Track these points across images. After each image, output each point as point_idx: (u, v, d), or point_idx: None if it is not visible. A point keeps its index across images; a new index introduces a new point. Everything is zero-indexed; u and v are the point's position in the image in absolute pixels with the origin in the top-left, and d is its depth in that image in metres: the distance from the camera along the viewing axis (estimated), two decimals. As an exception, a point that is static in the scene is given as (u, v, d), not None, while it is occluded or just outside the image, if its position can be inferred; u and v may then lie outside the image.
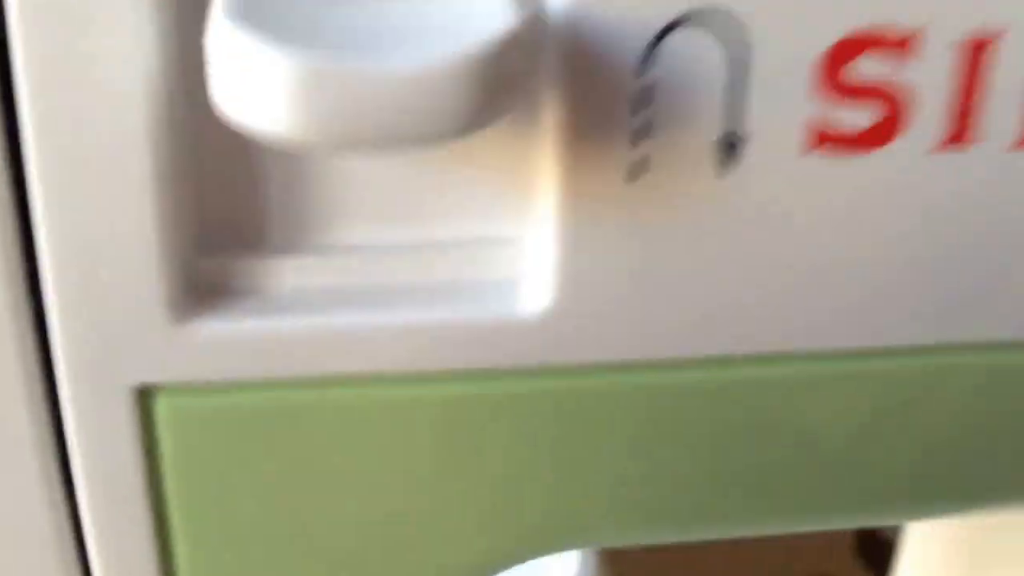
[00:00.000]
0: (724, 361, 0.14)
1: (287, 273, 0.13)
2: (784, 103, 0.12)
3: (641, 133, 0.12)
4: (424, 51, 0.10)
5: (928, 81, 0.12)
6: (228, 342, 0.13)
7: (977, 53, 0.12)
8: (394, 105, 0.10)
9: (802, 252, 0.13)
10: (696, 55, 0.12)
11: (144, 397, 0.13)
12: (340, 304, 0.13)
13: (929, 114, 0.12)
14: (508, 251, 0.13)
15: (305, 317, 0.13)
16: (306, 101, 0.10)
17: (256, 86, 0.10)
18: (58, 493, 0.14)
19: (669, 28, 0.12)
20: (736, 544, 0.19)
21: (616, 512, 0.15)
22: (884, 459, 0.15)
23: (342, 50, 0.10)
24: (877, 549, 0.43)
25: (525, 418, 0.14)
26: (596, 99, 0.12)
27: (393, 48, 0.10)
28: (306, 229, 0.13)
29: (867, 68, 0.12)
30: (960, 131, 0.13)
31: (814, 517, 0.16)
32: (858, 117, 0.12)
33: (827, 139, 0.12)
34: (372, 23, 0.10)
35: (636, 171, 0.12)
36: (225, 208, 0.13)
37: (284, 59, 0.10)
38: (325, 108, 0.10)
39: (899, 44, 0.12)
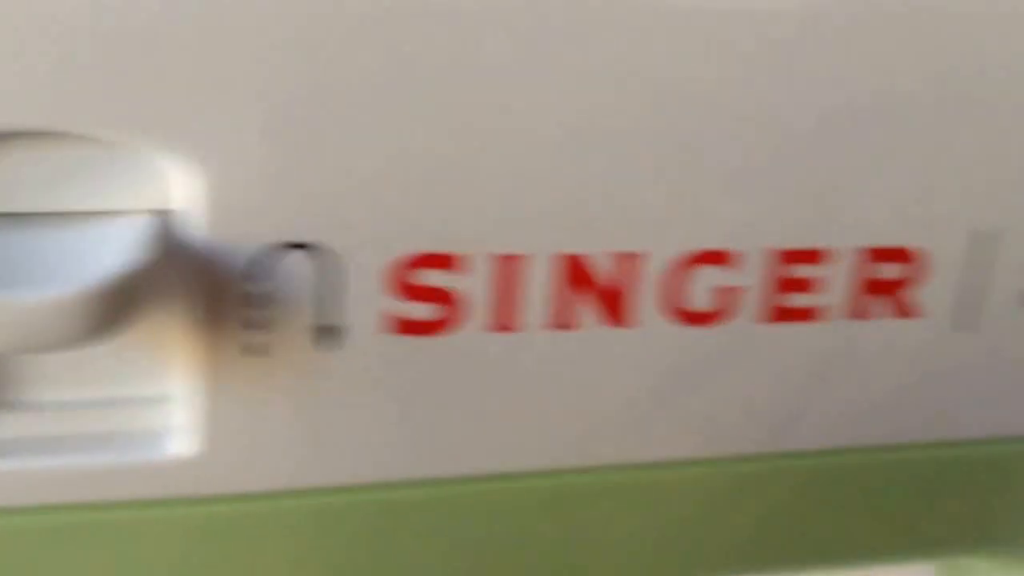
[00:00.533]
0: (351, 488, 0.18)
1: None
2: (366, 301, 0.16)
3: (251, 323, 0.16)
4: (48, 284, 0.13)
5: (473, 286, 0.16)
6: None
7: (506, 267, 0.16)
8: (20, 328, 0.13)
9: (393, 415, 0.17)
10: (292, 267, 0.16)
11: None
12: (27, 451, 0.16)
13: (478, 308, 0.17)
14: (164, 407, 0.17)
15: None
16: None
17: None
18: None
19: (270, 250, 0.16)
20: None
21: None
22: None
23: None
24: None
25: (183, 540, 0.17)
26: (218, 296, 0.16)
27: (23, 280, 0.13)
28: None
29: (427, 277, 0.16)
30: (506, 321, 0.17)
31: None
32: (425, 311, 0.16)
33: (403, 325, 0.16)
34: (13, 254, 0.14)
35: (252, 351, 0.16)
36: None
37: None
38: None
39: (449, 262, 0.16)
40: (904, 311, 0.18)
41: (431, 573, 0.18)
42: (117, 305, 0.14)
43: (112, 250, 0.14)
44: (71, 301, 0.13)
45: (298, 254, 0.16)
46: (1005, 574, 0.23)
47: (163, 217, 0.15)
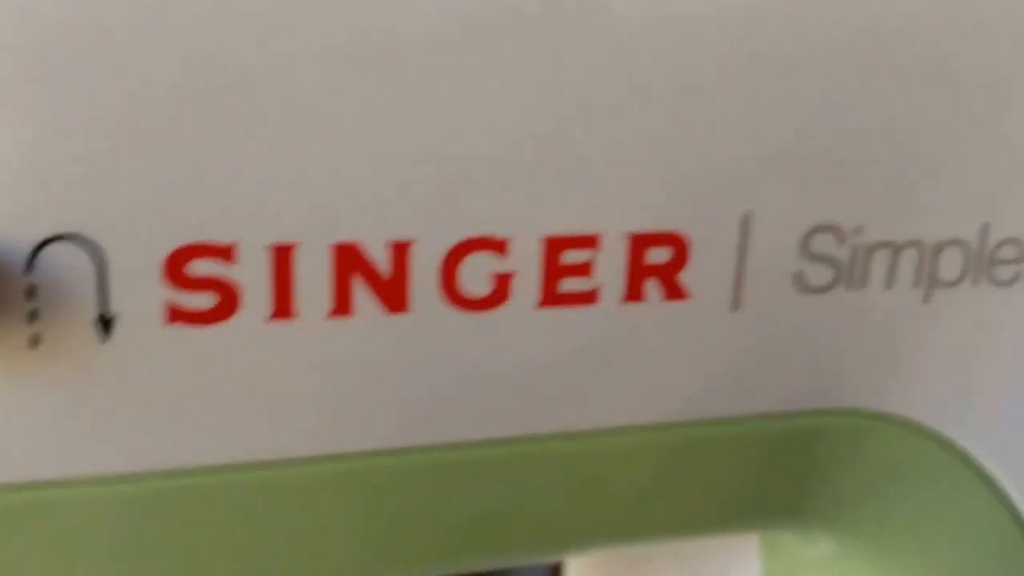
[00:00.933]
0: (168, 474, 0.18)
1: None
2: (142, 291, 0.17)
3: (33, 316, 0.16)
4: None
5: (248, 275, 0.17)
6: None
7: (280, 256, 0.17)
8: None
9: (171, 404, 0.18)
10: (68, 260, 0.16)
11: None
12: None
13: (254, 297, 0.17)
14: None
15: None
16: None
17: None
18: None
19: (43, 243, 0.16)
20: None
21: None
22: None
23: None
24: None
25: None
26: (-7, 291, 0.16)
27: None
28: None
29: (201, 267, 0.17)
30: (282, 309, 0.18)
31: None
32: (201, 300, 0.17)
33: (179, 316, 0.17)
34: None
35: (34, 342, 0.17)
36: None
37: None
38: None
39: (222, 252, 0.17)
40: (676, 293, 0.20)
41: (210, 561, 0.19)
42: None
43: None
44: None
45: (71, 246, 0.16)
46: (812, 548, 0.24)
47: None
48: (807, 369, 0.21)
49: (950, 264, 0.21)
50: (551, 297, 0.19)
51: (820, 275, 0.20)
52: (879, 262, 0.21)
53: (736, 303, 0.20)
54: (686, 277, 0.20)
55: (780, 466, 0.22)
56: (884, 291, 0.21)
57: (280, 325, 0.18)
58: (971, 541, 0.23)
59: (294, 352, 0.18)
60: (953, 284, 0.21)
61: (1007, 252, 0.22)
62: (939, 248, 0.21)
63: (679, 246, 0.19)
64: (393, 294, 0.18)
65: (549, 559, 0.23)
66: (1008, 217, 0.21)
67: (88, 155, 0.16)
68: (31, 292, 0.16)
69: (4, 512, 0.18)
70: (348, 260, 0.18)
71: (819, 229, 0.20)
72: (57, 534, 0.18)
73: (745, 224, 0.20)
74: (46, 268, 0.16)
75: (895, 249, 0.21)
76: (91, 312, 0.17)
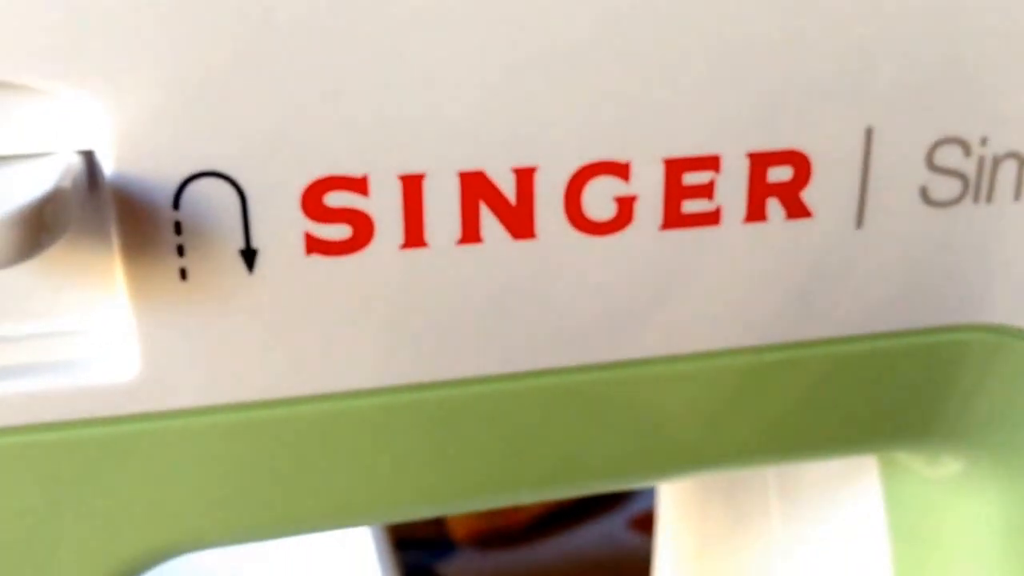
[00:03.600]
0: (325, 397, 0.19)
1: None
2: (282, 224, 0.17)
3: (180, 250, 0.17)
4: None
5: (381, 205, 0.18)
6: None
7: (410, 186, 0.18)
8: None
9: (321, 334, 0.18)
10: (211, 195, 0.17)
11: None
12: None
13: (387, 227, 0.18)
14: (102, 333, 0.18)
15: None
16: None
17: None
18: None
19: (188, 180, 0.17)
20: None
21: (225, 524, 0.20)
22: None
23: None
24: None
25: (131, 457, 0.19)
26: (144, 227, 0.17)
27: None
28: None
29: (336, 199, 0.18)
30: (414, 237, 0.18)
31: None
32: (337, 231, 0.18)
33: (317, 246, 0.18)
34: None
35: (181, 276, 0.17)
36: None
37: None
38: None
39: (355, 184, 0.17)
40: (799, 211, 0.20)
41: (368, 487, 0.20)
42: (38, 229, 0.15)
43: (35, 184, 0.16)
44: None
45: (214, 182, 0.17)
46: (937, 468, 0.24)
47: (85, 155, 0.17)
48: (936, 285, 0.21)
49: (1081, 173, 0.21)
50: (674, 219, 0.19)
51: (947, 188, 0.20)
52: (1006, 173, 0.20)
53: (861, 220, 0.20)
54: (809, 195, 0.19)
55: (909, 385, 0.22)
56: (1013, 203, 0.21)
57: (412, 253, 0.18)
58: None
59: (427, 279, 0.18)
60: (1085, 194, 0.21)
61: None
62: (1070, 157, 0.20)
63: (801, 164, 0.19)
64: (519, 220, 0.18)
65: (655, 480, 0.23)
66: None
67: (227, 93, 0.17)
68: (178, 227, 0.17)
69: (150, 439, 0.19)
70: (475, 187, 0.18)
71: (944, 141, 0.20)
72: (196, 461, 0.19)
73: (868, 139, 0.19)
74: (191, 204, 0.17)
75: (1022, 160, 0.20)
76: (235, 245, 0.18)
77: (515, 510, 0.56)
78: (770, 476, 0.30)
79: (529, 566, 0.53)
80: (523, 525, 0.56)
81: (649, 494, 0.55)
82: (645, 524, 0.53)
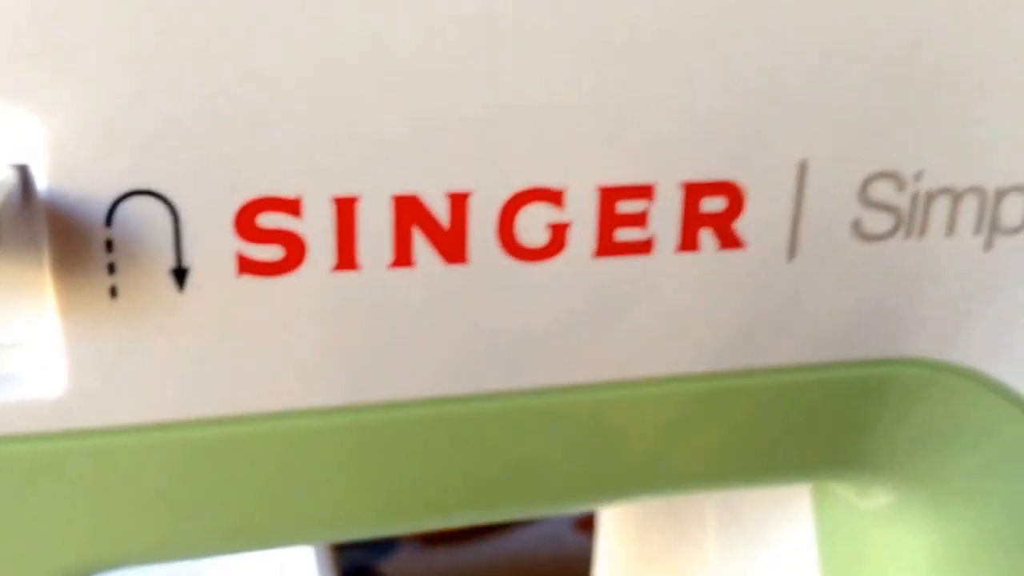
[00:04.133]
0: (235, 419, 0.19)
1: None
2: (214, 244, 0.18)
3: (111, 268, 0.17)
4: None
5: (314, 227, 0.18)
6: None
7: (344, 208, 0.18)
8: None
9: (250, 354, 0.18)
10: (144, 213, 0.17)
11: None
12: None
13: (320, 249, 0.18)
14: (30, 349, 0.18)
15: None
16: None
17: None
18: None
19: (121, 198, 0.17)
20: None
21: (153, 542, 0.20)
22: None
23: None
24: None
25: (60, 473, 0.19)
26: (76, 243, 0.17)
27: None
28: None
29: (268, 220, 0.18)
30: (346, 260, 0.18)
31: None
32: (270, 252, 0.18)
33: (249, 267, 0.18)
34: None
35: (112, 293, 0.18)
36: None
37: None
38: None
39: (288, 205, 0.18)
40: (732, 242, 0.20)
41: (297, 508, 0.20)
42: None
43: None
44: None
45: (147, 200, 0.17)
46: (867, 500, 0.24)
47: (19, 169, 0.17)
48: (869, 319, 0.21)
49: (1012, 210, 0.21)
50: (607, 247, 0.19)
51: (879, 222, 0.20)
52: (939, 209, 0.21)
53: (793, 252, 0.20)
54: (742, 226, 0.20)
55: (838, 415, 0.22)
56: (945, 238, 0.21)
57: (344, 275, 0.18)
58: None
59: (358, 302, 0.19)
60: (1016, 231, 0.21)
61: (1073, 198, 0.21)
62: (1001, 194, 0.21)
63: (734, 195, 0.19)
64: (452, 245, 0.19)
65: (590, 507, 0.23)
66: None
67: (160, 112, 0.17)
68: (109, 245, 0.17)
69: (77, 456, 0.19)
70: (408, 211, 0.18)
71: (878, 176, 0.20)
72: (123, 479, 0.19)
73: (801, 171, 0.20)
74: (124, 222, 0.17)
75: (956, 195, 0.21)
76: (166, 264, 0.18)
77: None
78: (708, 500, 0.30)
79: (473, 565, 0.53)
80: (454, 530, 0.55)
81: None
82: (589, 525, 0.53)
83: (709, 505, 0.30)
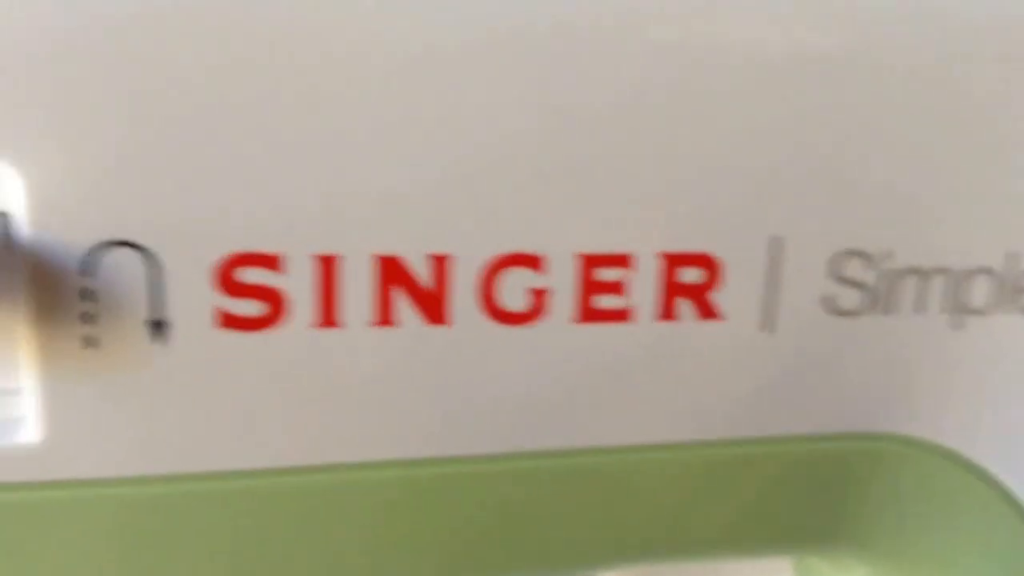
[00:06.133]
0: (212, 476, 0.19)
1: None
2: (193, 297, 0.17)
3: (87, 317, 0.17)
4: None
5: (295, 284, 0.18)
6: None
7: (325, 266, 0.18)
8: None
9: (222, 407, 0.18)
10: (122, 264, 0.17)
11: None
12: None
13: (301, 305, 0.18)
14: (7, 398, 0.18)
15: None
16: None
17: None
18: None
19: (98, 247, 0.17)
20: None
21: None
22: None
23: None
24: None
25: (26, 524, 0.18)
26: (54, 292, 0.17)
27: None
28: None
29: (249, 275, 0.18)
30: (327, 317, 0.18)
31: None
32: (250, 307, 0.18)
33: (229, 322, 0.18)
34: None
35: (88, 343, 0.17)
36: None
37: None
38: None
39: (269, 261, 0.18)
40: (708, 313, 0.20)
41: (276, 567, 0.19)
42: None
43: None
44: None
45: (126, 252, 0.17)
46: (843, 573, 0.24)
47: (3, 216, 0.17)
48: (838, 392, 0.21)
49: (979, 291, 0.22)
50: (586, 313, 0.19)
51: (850, 299, 0.21)
52: (908, 288, 0.21)
53: (767, 324, 0.20)
54: (718, 297, 0.20)
55: (810, 489, 0.22)
56: (914, 316, 0.21)
57: (325, 333, 0.18)
58: (1002, 567, 0.23)
59: (339, 360, 0.18)
60: (982, 311, 0.22)
61: (1036, 282, 0.22)
62: (968, 275, 0.21)
63: (711, 267, 0.20)
64: (433, 306, 0.19)
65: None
66: (1036, 247, 0.22)
67: (141, 164, 0.17)
68: (88, 294, 0.17)
69: (51, 506, 0.18)
70: (390, 272, 0.18)
71: (849, 254, 0.21)
72: (96, 533, 0.19)
73: (776, 247, 0.20)
74: (102, 272, 0.17)
75: (924, 275, 0.21)
76: (144, 316, 0.18)
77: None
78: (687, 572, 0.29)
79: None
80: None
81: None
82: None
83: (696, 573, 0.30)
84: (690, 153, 0.19)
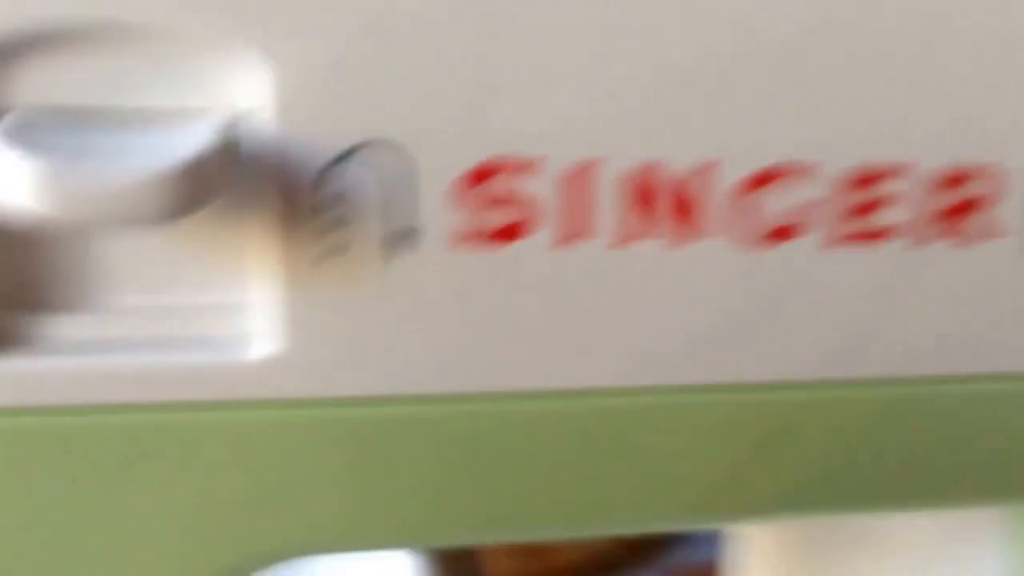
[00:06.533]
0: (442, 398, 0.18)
1: (62, 326, 0.17)
2: (439, 204, 0.16)
3: (329, 225, 0.16)
4: (131, 164, 0.14)
5: (545, 193, 0.16)
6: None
7: (578, 177, 0.16)
8: (109, 200, 0.14)
9: (463, 324, 0.17)
10: (367, 168, 0.16)
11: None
12: (104, 351, 0.17)
13: (549, 216, 0.17)
14: (244, 310, 0.17)
15: (75, 358, 0.16)
16: (47, 192, 0.14)
17: (10, 181, 0.14)
18: None
19: (353, 148, 0.16)
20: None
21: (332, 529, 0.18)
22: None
23: (76, 160, 0.14)
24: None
25: (256, 445, 0.17)
26: (289, 199, 0.16)
27: (114, 160, 0.14)
28: (80, 292, 0.17)
29: (499, 182, 0.16)
30: (576, 230, 0.17)
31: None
32: (497, 217, 0.17)
33: (476, 232, 0.17)
34: (108, 142, 0.14)
35: (329, 253, 0.16)
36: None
37: (30, 162, 0.13)
38: (61, 199, 0.14)
39: (521, 168, 0.16)
40: (984, 232, 0.18)
41: (486, 484, 0.18)
42: (194, 186, 0.14)
43: (190, 141, 0.15)
44: (154, 179, 0.14)
45: (373, 154, 0.16)
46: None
47: (241, 115, 0.16)
48: None
49: None
50: (852, 233, 0.18)
51: None
52: None
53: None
54: (994, 213, 0.18)
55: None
56: None
57: (569, 249, 0.17)
58: None
59: (584, 276, 0.17)
60: None
61: None
62: None
63: (988, 179, 0.18)
64: (690, 219, 0.17)
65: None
66: None
67: (400, 58, 0.15)
68: (330, 200, 0.16)
69: (286, 427, 0.17)
70: (644, 179, 0.17)
71: None
72: (328, 453, 0.18)
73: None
74: (348, 176, 0.16)
75: None
76: (389, 223, 0.16)
77: (553, 552, 0.55)
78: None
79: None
80: (559, 571, 0.55)
81: (687, 546, 0.55)
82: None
83: (862, 544, 0.28)
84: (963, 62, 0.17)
